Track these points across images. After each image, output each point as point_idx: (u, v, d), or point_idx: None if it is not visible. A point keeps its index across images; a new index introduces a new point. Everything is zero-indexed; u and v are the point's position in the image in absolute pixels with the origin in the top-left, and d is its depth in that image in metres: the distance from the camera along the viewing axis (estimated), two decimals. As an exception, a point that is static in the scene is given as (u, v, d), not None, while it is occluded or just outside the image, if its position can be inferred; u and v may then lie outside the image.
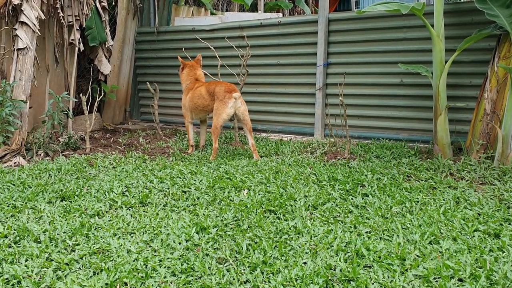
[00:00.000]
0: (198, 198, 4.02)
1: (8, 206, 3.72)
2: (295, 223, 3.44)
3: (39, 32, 6.13)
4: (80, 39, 7.07)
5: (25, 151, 5.90)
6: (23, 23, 5.99)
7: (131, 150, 6.34)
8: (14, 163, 5.55)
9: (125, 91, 8.72)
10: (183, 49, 7.19)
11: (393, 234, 3.26)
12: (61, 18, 6.70)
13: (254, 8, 11.32)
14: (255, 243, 3.08)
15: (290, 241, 3.15)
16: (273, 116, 7.55)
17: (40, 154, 5.93)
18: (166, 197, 4.07)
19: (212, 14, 9.91)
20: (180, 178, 4.61)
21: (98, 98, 6.54)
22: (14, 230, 3.21)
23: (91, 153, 6.03)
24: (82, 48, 7.11)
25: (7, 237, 3.10)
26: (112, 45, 7.72)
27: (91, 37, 7.28)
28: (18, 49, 5.99)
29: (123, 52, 8.54)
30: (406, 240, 3.17)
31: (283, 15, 11.04)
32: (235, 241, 3.11)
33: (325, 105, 6.94)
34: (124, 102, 8.73)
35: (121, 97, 8.65)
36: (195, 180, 4.52)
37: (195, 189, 4.24)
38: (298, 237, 3.21)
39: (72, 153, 6.15)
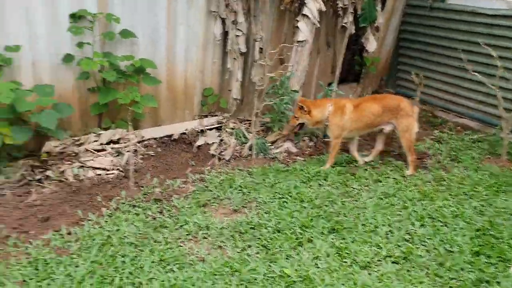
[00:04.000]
0: None
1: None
2: None
3: (318, 24, 6.43)
4: (353, 21, 7.13)
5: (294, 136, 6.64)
6: (304, 15, 6.33)
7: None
8: (285, 148, 6.35)
9: (384, 61, 8.66)
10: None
11: None
12: (338, 8, 6.81)
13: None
14: None
15: None
16: None
17: (305, 140, 6.60)
18: None
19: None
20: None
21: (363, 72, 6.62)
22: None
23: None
24: (353, 31, 7.19)
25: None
26: (381, 23, 7.58)
27: (362, 18, 7.24)
28: (298, 41, 6.45)
29: (389, 23, 8.32)
30: None
31: None
32: None
33: None
34: (382, 71, 8.72)
35: (380, 66, 8.62)
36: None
37: None
38: None
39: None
